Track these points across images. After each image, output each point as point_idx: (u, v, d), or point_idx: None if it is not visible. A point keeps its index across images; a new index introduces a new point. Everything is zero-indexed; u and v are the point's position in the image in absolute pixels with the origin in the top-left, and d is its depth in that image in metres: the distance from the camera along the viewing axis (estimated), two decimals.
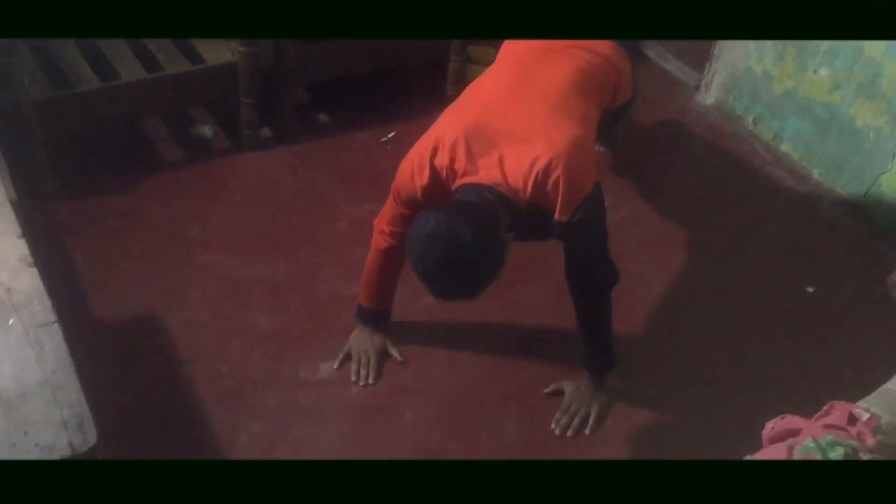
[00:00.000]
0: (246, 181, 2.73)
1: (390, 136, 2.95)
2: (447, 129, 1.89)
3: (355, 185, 2.76)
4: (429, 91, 3.12)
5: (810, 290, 2.52)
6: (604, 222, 1.95)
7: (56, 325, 1.36)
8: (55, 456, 1.21)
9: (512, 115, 1.89)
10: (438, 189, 1.90)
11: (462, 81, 3.09)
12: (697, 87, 3.27)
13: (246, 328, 2.26)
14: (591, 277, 2.00)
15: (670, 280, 2.53)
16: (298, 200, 2.68)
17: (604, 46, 2.17)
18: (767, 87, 2.98)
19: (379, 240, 2.09)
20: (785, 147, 2.99)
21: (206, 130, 2.86)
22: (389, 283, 2.19)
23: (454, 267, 1.72)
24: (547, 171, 1.79)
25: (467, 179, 1.84)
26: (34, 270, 1.44)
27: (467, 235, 1.70)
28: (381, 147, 2.92)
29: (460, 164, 1.84)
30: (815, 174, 2.90)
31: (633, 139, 2.98)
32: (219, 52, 2.68)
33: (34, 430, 1.25)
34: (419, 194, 1.92)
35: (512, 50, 2.17)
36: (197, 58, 2.68)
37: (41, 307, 1.39)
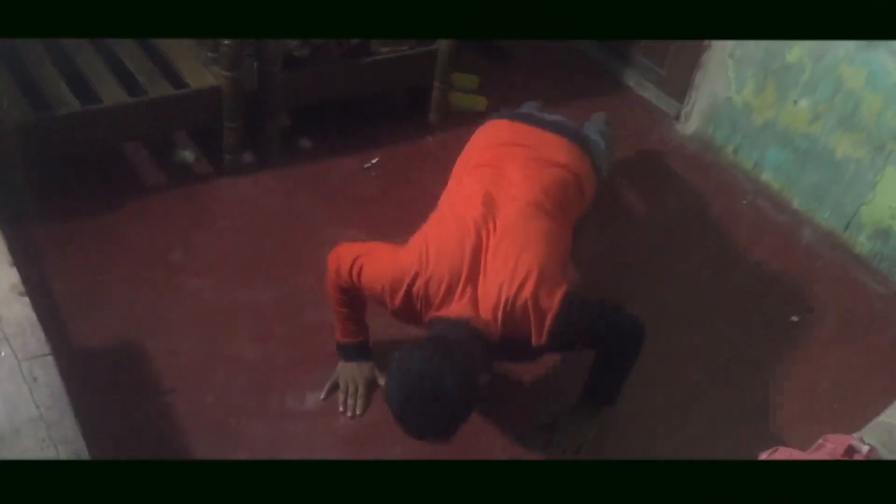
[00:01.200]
0: (229, 206, 2.69)
1: (374, 161, 2.93)
2: (422, 258, 1.89)
3: (339, 210, 2.74)
4: (412, 117, 3.12)
5: (794, 318, 2.54)
6: (588, 313, 1.92)
7: (50, 358, 1.32)
8: None
9: (480, 242, 1.91)
10: (407, 313, 1.93)
11: (444, 108, 3.10)
12: (677, 117, 3.30)
13: (231, 356, 2.22)
14: (621, 351, 2.02)
15: (654, 309, 2.53)
16: (282, 225, 2.65)
17: (559, 154, 2.16)
18: (747, 117, 3.02)
19: (339, 286, 2.05)
20: (765, 177, 3.03)
21: (188, 155, 2.82)
22: (360, 315, 2.16)
23: (436, 416, 1.74)
24: (514, 301, 1.83)
25: (441, 313, 1.86)
26: (25, 300, 1.39)
27: (452, 386, 1.71)
28: (365, 173, 2.90)
29: (437, 298, 1.86)
30: (796, 203, 2.94)
31: (614, 168, 2.99)
32: (202, 76, 2.65)
33: None
34: (387, 307, 1.95)
35: (481, 156, 2.18)
36: (179, 81, 2.65)
37: (34, 338, 1.34)
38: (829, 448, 1.70)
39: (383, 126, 3.09)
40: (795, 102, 2.85)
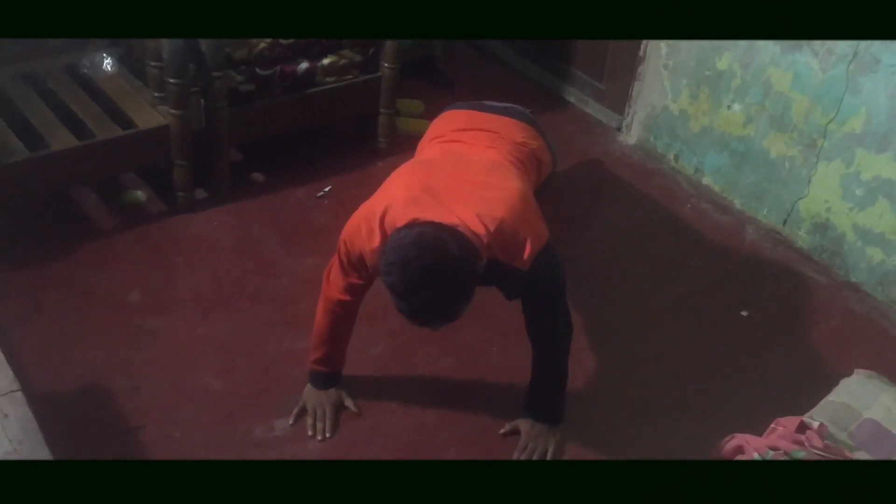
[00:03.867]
0: (184, 243, 2.70)
1: (326, 190, 2.97)
2: (397, 190, 1.88)
3: (294, 240, 2.77)
4: (361, 144, 3.17)
5: (744, 313, 2.63)
6: (562, 273, 1.99)
7: (20, 394, 1.32)
8: None
9: (461, 174, 1.93)
10: None
11: (392, 134, 3.16)
12: (619, 129, 3.40)
13: (196, 390, 2.23)
14: (553, 328, 2.04)
15: (607, 315, 2.60)
16: (239, 259, 2.66)
17: (517, 135, 2.23)
18: (685, 124, 3.13)
19: (332, 299, 2.07)
20: (706, 180, 3.13)
21: (139, 195, 2.83)
22: (342, 343, 2.18)
23: (440, 279, 1.66)
24: (503, 221, 1.81)
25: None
26: None
27: (454, 246, 1.66)
28: (318, 202, 2.94)
29: (417, 216, 1.77)
30: (737, 204, 3.04)
31: (560, 182, 3.07)
32: (150, 116, 2.67)
33: None
34: (368, 258, 1.89)
35: (438, 132, 2.25)
36: (127, 122, 2.67)
37: (1, 375, 1.35)
38: (780, 431, 1.77)
39: (333, 155, 3.13)
40: (729, 107, 2.96)
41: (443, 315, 1.76)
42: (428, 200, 1.82)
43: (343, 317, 2.11)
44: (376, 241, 1.84)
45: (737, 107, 2.93)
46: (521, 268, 1.85)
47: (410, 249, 1.67)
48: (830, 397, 1.84)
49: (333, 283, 2.05)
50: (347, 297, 2.05)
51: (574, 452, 2.16)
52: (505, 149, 2.13)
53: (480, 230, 1.79)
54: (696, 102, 3.06)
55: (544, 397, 2.15)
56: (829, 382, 2.02)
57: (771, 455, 1.68)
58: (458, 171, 1.97)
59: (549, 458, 2.13)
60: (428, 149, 2.24)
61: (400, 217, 1.79)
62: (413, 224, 1.74)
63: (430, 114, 3.32)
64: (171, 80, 2.54)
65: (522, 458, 2.12)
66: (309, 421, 2.16)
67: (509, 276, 1.87)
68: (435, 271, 1.67)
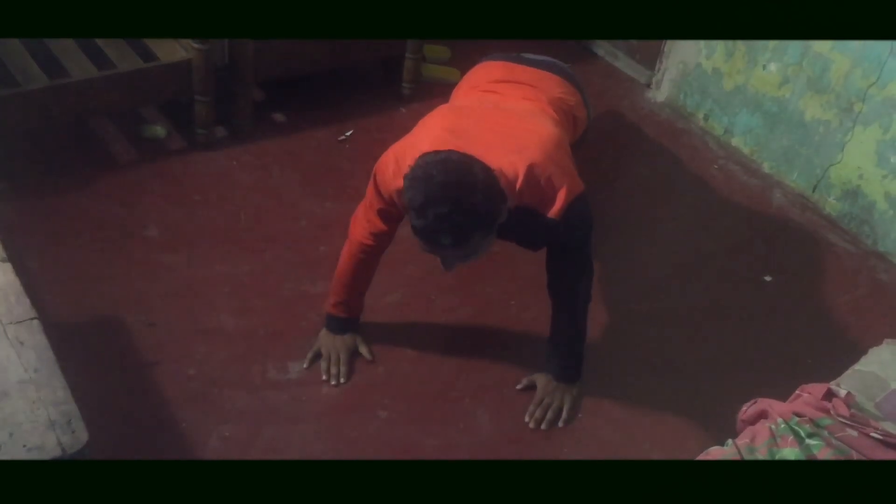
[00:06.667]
0: (202, 181, 2.67)
1: (348, 134, 2.92)
2: (428, 131, 1.86)
3: (315, 183, 2.72)
4: (384, 89, 3.11)
5: (768, 278, 2.58)
6: (591, 228, 1.95)
7: (36, 322, 1.30)
8: (45, 456, 1.15)
9: (496, 119, 1.90)
10: None
11: (417, 80, 3.09)
12: (648, 85, 3.32)
13: (211, 329, 2.21)
14: (575, 284, 2.01)
15: (629, 271, 2.57)
16: (257, 199, 2.63)
17: (554, 89, 2.18)
18: (717, 83, 3.05)
19: (356, 242, 2.05)
20: (736, 142, 3.06)
21: (159, 130, 2.79)
22: (361, 288, 2.16)
23: (459, 197, 1.64)
24: (536, 166, 1.79)
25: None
26: (8, 266, 1.37)
27: (481, 174, 1.65)
28: (339, 145, 2.89)
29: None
30: (766, 167, 2.98)
31: (586, 137, 3.01)
32: (172, 49, 2.61)
33: (20, 431, 1.18)
34: (395, 196, 1.87)
35: (473, 82, 2.21)
36: (149, 55, 2.61)
37: (18, 303, 1.32)
38: (806, 397, 1.74)
39: (356, 99, 3.07)
40: (765, 67, 2.88)
41: (456, 237, 1.70)
42: (459, 142, 1.78)
43: (365, 262, 2.08)
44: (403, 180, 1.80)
45: (773, 66, 2.85)
46: (553, 216, 1.82)
47: (436, 166, 1.67)
48: (858, 366, 1.80)
49: (359, 226, 2.03)
50: (371, 242, 2.03)
51: (590, 408, 2.14)
52: (542, 101, 2.09)
53: (512, 175, 1.77)
54: (730, 60, 2.98)
55: (562, 353, 2.13)
56: (852, 352, 1.99)
57: (796, 421, 1.65)
58: (493, 116, 1.93)
59: (564, 413, 2.11)
60: (462, 97, 2.19)
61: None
62: (441, 151, 1.72)
63: (456, 61, 3.26)
64: None
65: (538, 412, 2.10)
66: (323, 365, 2.14)
67: (539, 225, 1.84)
68: (456, 188, 1.65)
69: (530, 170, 1.79)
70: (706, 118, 3.14)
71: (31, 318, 1.31)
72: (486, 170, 1.72)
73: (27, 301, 1.36)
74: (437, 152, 1.72)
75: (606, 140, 3.10)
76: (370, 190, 1.98)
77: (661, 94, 3.27)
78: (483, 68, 2.31)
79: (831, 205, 2.81)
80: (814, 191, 2.85)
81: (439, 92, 3.16)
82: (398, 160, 1.86)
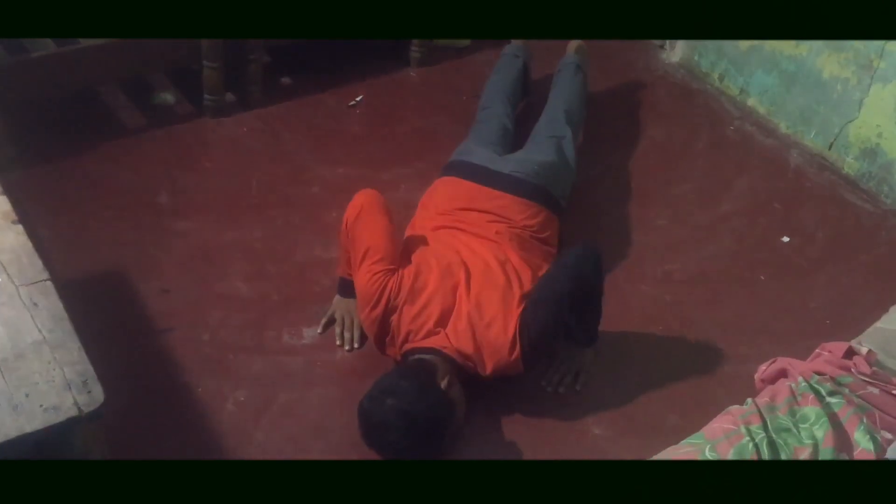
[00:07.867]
0: (213, 147, 2.65)
1: (358, 99, 2.89)
2: (410, 269, 1.97)
3: (326, 148, 2.70)
4: (393, 52, 3.07)
5: (786, 239, 2.55)
6: (546, 308, 1.92)
7: (49, 283, 1.29)
8: (62, 417, 1.14)
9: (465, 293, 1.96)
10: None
11: (426, 45, 3.06)
12: (662, 46, 3.27)
13: (224, 295, 2.20)
14: (584, 279, 1.99)
15: (647, 232, 2.54)
16: (269, 165, 2.61)
17: (516, 216, 2.17)
18: (733, 42, 2.99)
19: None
20: (752, 102, 3.01)
21: (168, 97, 2.77)
22: None
23: (412, 448, 1.79)
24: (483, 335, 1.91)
25: (415, 344, 1.93)
26: (19, 227, 1.36)
27: (420, 414, 1.77)
28: (350, 110, 2.86)
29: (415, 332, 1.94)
30: (783, 127, 2.93)
31: (600, 99, 2.97)
32: None
33: (36, 391, 1.18)
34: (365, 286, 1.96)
35: (437, 204, 2.22)
36: None
37: (31, 265, 1.31)
38: (826, 356, 1.72)
39: (365, 63, 3.04)
40: None
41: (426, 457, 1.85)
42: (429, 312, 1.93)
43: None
44: (380, 308, 1.94)
45: None
46: (515, 359, 1.91)
47: (386, 416, 1.79)
48: (880, 324, 1.78)
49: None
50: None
51: (607, 371, 2.13)
52: (504, 238, 2.10)
53: (468, 350, 1.91)
54: None
55: (579, 318, 2.10)
56: (871, 311, 1.96)
57: (816, 380, 1.63)
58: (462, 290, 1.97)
59: (581, 376, 2.09)
60: (430, 223, 2.17)
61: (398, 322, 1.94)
62: (385, 392, 1.82)
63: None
64: None
65: (556, 376, 2.09)
66: (337, 330, 2.14)
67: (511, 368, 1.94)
68: (405, 446, 1.79)
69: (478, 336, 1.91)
70: (721, 78, 3.09)
71: (45, 280, 1.30)
72: (423, 393, 1.81)
73: (39, 262, 1.34)
74: (382, 394, 1.82)
75: (621, 103, 3.06)
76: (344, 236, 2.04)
77: (675, 54, 3.22)
78: (447, 186, 2.26)
79: (849, 164, 2.77)
80: (831, 149, 2.80)
81: (448, 56, 3.14)
82: (383, 279, 1.94)
